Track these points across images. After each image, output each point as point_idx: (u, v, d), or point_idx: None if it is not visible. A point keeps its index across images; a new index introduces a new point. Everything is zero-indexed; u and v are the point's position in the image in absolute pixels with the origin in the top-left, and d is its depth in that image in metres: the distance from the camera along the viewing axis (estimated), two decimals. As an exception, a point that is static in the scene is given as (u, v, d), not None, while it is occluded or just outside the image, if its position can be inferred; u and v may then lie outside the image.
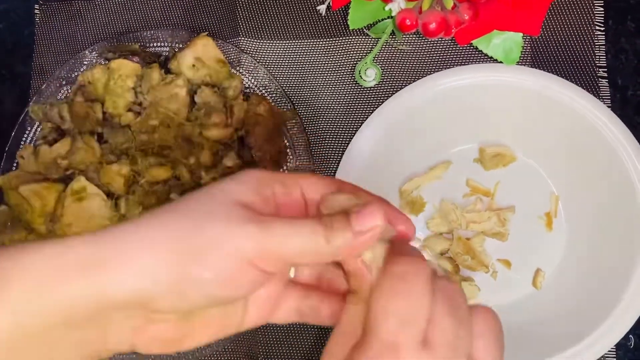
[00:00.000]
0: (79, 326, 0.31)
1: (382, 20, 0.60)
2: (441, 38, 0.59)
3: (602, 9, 0.63)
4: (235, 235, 0.31)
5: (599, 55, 0.62)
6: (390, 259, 0.32)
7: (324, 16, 0.66)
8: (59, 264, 0.30)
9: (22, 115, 0.66)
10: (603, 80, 0.62)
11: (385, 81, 0.65)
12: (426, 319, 0.30)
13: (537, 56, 0.63)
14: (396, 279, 0.31)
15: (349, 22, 0.59)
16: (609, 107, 0.61)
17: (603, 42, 0.63)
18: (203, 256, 0.31)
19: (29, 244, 0.31)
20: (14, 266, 0.30)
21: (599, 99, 0.61)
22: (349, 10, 0.59)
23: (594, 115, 0.57)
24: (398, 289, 0.30)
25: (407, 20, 0.52)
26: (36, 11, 0.73)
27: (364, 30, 0.63)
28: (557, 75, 0.58)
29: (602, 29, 0.63)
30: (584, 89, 0.60)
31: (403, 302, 0.30)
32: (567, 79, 0.58)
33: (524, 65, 0.62)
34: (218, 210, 0.32)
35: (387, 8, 0.54)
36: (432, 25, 0.51)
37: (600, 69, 0.62)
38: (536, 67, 0.62)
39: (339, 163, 0.60)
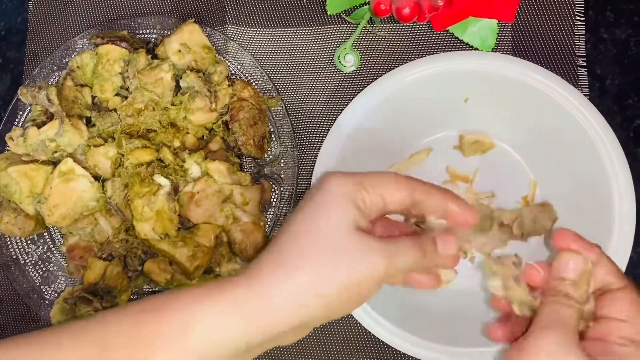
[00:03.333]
0: (249, 352, 0.40)
1: (360, 6, 0.61)
2: (418, 24, 0.60)
3: (582, -1, 0.64)
4: (372, 269, 0.39)
5: (579, 45, 0.63)
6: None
7: (306, 4, 0.67)
8: (236, 313, 0.38)
9: (14, 101, 0.68)
10: (582, 69, 0.63)
11: (365, 67, 0.66)
12: None
13: (517, 44, 0.64)
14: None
15: (327, 8, 0.60)
16: (587, 95, 0.62)
17: (583, 32, 0.63)
18: (349, 285, 0.39)
19: (197, 293, 0.39)
20: (192, 318, 0.38)
21: (578, 87, 0.62)
22: (328, -3, 0.60)
23: (571, 103, 0.57)
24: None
25: (382, 5, 0.53)
26: (29, -2, 0.75)
27: (344, 17, 0.64)
28: (537, 63, 0.59)
29: (582, 18, 0.63)
30: (564, 77, 0.61)
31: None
32: (547, 68, 0.59)
33: (505, 53, 0.63)
34: (348, 244, 0.39)
35: (362, -7, 0.56)
36: (406, 10, 0.52)
37: (579, 58, 0.63)
38: (517, 56, 0.63)
39: (320, 148, 0.61)
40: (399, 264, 0.40)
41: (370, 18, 0.61)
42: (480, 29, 0.59)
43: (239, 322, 0.38)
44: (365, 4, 0.60)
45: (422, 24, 0.62)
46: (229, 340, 0.38)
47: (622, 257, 0.55)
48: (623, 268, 0.55)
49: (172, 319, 0.38)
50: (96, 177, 0.63)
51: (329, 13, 0.60)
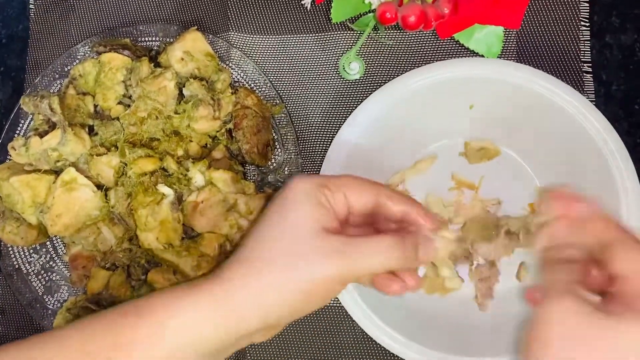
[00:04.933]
0: (220, 353, 0.43)
1: (365, 14, 0.61)
2: (424, 32, 0.59)
3: (587, 4, 0.63)
4: (334, 270, 0.40)
5: (584, 51, 0.63)
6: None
7: (310, 11, 0.66)
8: (206, 314, 0.41)
9: (16, 109, 0.67)
10: (587, 75, 0.63)
11: (369, 75, 0.65)
12: None
13: (522, 51, 0.63)
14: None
15: (331, 16, 0.60)
16: (593, 102, 0.61)
17: (588, 37, 0.63)
18: (312, 288, 0.40)
19: (167, 296, 0.42)
20: (166, 320, 0.41)
21: (584, 93, 0.62)
22: (332, 4, 0.60)
23: (577, 109, 0.57)
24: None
25: (387, 14, 0.53)
26: (31, 6, 0.75)
27: (348, 24, 0.64)
28: (542, 70, 0.59)
29: (587, 24, 0.63)
30: (569, 83, 0.60)
31: None
32: (552, 74, 0.59)
33: (510, 59, 0.63)
34: (310, 246, 0.41)
35: (367, 1, 0.55)
36: (412, 19, 0.52)
37: (585, 64, 0.63)
38: (521, 62, 0.62)
39: (325, 155, 0.61)
40: (362, 266, 0.41)
41: (375, 25, 0.61)
42: (486, 36, 0.59)
43: (209, 323, 0.40)
44: (370, 11, 0.59)
45: (427, 31, 0.61)
46: (201, 340, 0.40)
47: (630, 265, 0.55)
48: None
49: (147, 322, 0.40)
50: (99, 186, 0.62)
51: (333, 21, 0.60)
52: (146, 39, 0.69)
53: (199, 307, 0.41)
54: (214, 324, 0.41)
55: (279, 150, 0.65)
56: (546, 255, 0.39)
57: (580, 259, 0.36)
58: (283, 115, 0.65)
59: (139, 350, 0.40)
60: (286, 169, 0.64)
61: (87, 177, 0.61)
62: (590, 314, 0.32)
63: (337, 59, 0.66)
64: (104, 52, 0.64)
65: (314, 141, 0.66)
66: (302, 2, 0.62)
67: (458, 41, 0.61)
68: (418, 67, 0.60)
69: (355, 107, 0.61)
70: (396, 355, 0.57)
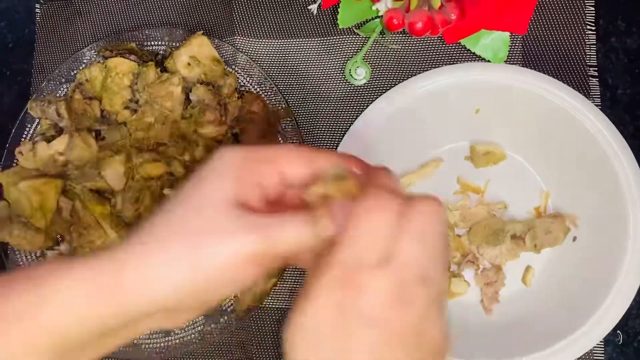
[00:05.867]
0: (111, 335, 0.36)
1: (372, 19, 0.61)
2: (430, 37, 0.59)
3: (592, 8, 0.63)
4: (238, 248, 0.34)
5: (590, 54, 0.63)
6: (361, 194, 0.35)
7: (316, 15, 0.67)
8: (89, 289, 0.35)
9: (22, 113, 0.68)
10: (593, 79, 0.63)
11: (376, 80, 0.65)
12: (387, 245, 0.33)
13: (527, 55, 0.63)
14: (362, 213, 0.34)
15: (338, 22, 0.60)
16: (598, 106, 0.61)
17: (594, 41, 0.63)
18: (212, 270, 0.35)
19: (56, 267, 0.35)
20: (48, 292, 0.35)
21: (589, 97, 0.62)
22: (339, 10, 0.60)
23: (582, 114, 0.57)
24: (362, 222, 0.34)
25: (394, 20, 0.53)
26: (37, 10, 0.75)
27: (354, 29, 0.64)
28: (548, 74, 0.59)
29: (593, 27, 0.63)
30: (575, 88, 0.60)
31: (367, 230, 0.33)
32: (558, 78, 0.59)
33: (515, 64, 0.63)
34: (214, 222, 0.35)
35: (374, 7, 0.55)
36: (419, 25, 0.52)
37: (590, 68, 0.63)
38: (527, 66, 0.62)
39: (331, 160, 0.61)
40: (279, 243, 0.35)
41: (382, 30, 0.61)
42: (492, 42, 0.59)
43: (91, 299, 0.35)
44: (376, 17, 0.60)
45: (433, 37, 0.61)
46: (82, 319, 0.35)
47: (637, 270, 0.55)
48: (638, 282, 0.55)
49: (30, 292, 0.35)
50: (106, 191, 0.62)
51: (340, 26, 0.60)
52: (152, 43, 0.69)
53: (84, 279, 0.35)
54: (96, 300, 0.35)
55: (285, 154, 0.65)
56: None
57: None
58: (289, 119, 0.65)
59: (18, 322, 0.34)
60: (292, 173, 0.64)
61: (93, 182, 0.62)
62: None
63: (343, 63, 0.66)
64: (110, 57, 0.65)
65: (320, 146, 0.66)
66: (309, 7, 0.62)
67: (464, 46, 0.61)
68: (424, 72, 0.60)
69: (362, 112, 0.61)
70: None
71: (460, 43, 0.61)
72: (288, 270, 0.63)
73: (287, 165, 0.38)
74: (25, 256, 0.67)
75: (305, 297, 0.34)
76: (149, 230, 0.36)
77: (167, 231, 0.36)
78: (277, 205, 0.38)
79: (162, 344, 0.64)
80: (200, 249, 0.35)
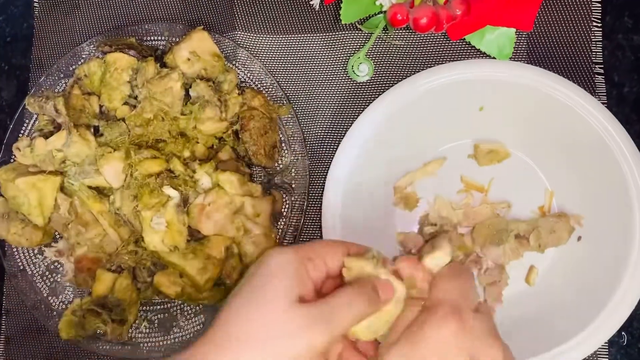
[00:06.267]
0: None
1: (375, 15, 0.60)
2: (434, 33, 0.58)
3: (599, 4, 0.62)
4: (308, 345, 0.39)
5: (596, 52, 0.62)
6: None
7: (318, 11, 0.66)
8: None
9: (20, 108, 0.67)
10: (599, 76, 0.62)
11: (379, 76, 0.65)
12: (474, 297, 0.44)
13: (532, 52, 0.62)
14: (454, 272, 0.44)
15: (341, 17, 0.59)
16: (604, 104, 0.60)
17: (600, 38, 0.62)
18: None
19: None
20: None
21: (595, 95, 0.61)
22: (341, 5, 0.59)
23: (588, 111, 0.56)
24: (455, 277, 0.44)
25: (399, 15, 0.52)
26: (35, 4, 0.74)
27: (357, 25, 0.63)
28: (553, 71, 0.58)
29: (599, 24, 0.62)
30: (580, 85, 0.60)
31: (461, 283, 0.44)
32: (563, 75, 0.58)
33: (520, 60, 0.62)
34: (282, 323, 0.40)
35: (378, 3, 0.54)
36: (423, 21, 0.51)
37: (596, 65, 0.62)
38: (532, 63, 0.61)
39: (333, 157, 0.60)
40: (340, 323, 0.41)
41: (385, 26, 0.60)
42: (497, 38, 0.58)
43: None
44: (380, 12, 0.59)
45: (437, 33, 0.60)
46: None
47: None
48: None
49: None
50: (105, 188, 0.62)
51: (342, 22, 0.59)
52: (152, 38, 0.68)
53: None
54: None
55: (286, 152, 0.64)
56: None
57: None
58: (290, 116, 0.64)
59: None
60: (293, 170, 0.64)
61: (91, 179, 0.61)
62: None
63: (345, 59, 0.65)
64: (110, 52, 0.64)
65: (322, 143, 0.65)
66: (311, 2, 0.61)
67: (469, 43, 0.60)
68: (428, 68, 0.59)
69: (364, 109, 0.60)
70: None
71: (464, 39, 0.60)
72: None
73: (329, 258, 0.44)
74: (23, 253, 0.66)
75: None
76: (221, 336, 0.40)
77: (245, 334, 0.39)
78: (321, 295, 0.43)
79: (161, 343, 0.63)
80: (283, 346, 0.39)
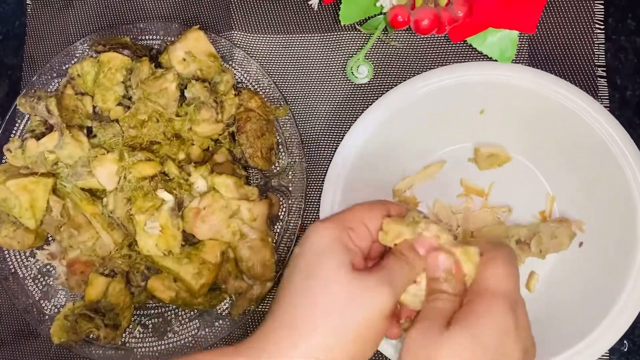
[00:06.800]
0: None
1: (374, 16, 0.59)
2: (435, 35, 0.58)
3: (602, 6, 0.61)
4: (377, 305, 0.40)
5: (598, 54, 0.61)
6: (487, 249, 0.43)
7: (317, 11, 0.65)
8: None
9: (12, 109, 0.66)
10: (602, 79, 0.61)
11: (378, 78, 0.64)
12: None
13: (534, 54, 0.61)
14: (509, 259, 0.43)
15: (340, 18, 0.58)
16: (607, 107, 0.60)
17: (602, 41, 0.61)
18: (361, 336, 0.40)
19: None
20: None
21: (598, 98, 0.60)
22: (340, 5, 0.58)
23: (590, 115, 0.55)
24: (511, 264, 0.43)
25: (399, 17, 0.51)
26: (28, 2, 0.73)
27: (357, 26, 0.62)
28: (555, 74, 0.57)
29: (602, 27, 0.61)
30: (583, 88, 0.59)
31: (515, 271, 0.43)
32: (565, 78, 0.57)
33: (521, 63, 0.61)
34: (349, 293, 0.40)
35: (378, 4, 0.53)
36: (425, 23, 0.50)
37: (599, 68, 0.61)
38: (533, 66, 0.61)
39: (331, 160, 0.59)
40: (400, 286, 0.41)
41: (385, 28, 0.59)
42: (499, 40, 0.57)
43: None
44: (380, 13, 0.57)
45: (439, 35, 0.59)
46: None
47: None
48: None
49: None
50: (98, 191, 0.61)
51: (341, 23, 0.58)
52: (146, 37, 0.67)
53: None
54: None
55: (283, 154, 0.63)
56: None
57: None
58: (287, 118, 0.63)
59: None
60: (290, 173, 0.63)
61: (83, 181, 0.60)
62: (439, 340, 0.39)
63: (344, 60, 0.64)
64: (103, 51, 0.62)
65: (320, 145, 0.64)
66: (309, 2, 0.60)
67: (470, 45, 0.59)
68: (428, 70, 0.58)
69: (363, 111, 0.59)
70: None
71: (466, 41, 0.59)
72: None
73: (370, 222, 0.44)
74: (15, 256, 0.65)
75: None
76: (289, 317, 0.40)
77: (314, 310, 0.40)
78: (370, 260, 0.45)
79: (155, 348, 0.62)
80: (350, 315, 0.39)
